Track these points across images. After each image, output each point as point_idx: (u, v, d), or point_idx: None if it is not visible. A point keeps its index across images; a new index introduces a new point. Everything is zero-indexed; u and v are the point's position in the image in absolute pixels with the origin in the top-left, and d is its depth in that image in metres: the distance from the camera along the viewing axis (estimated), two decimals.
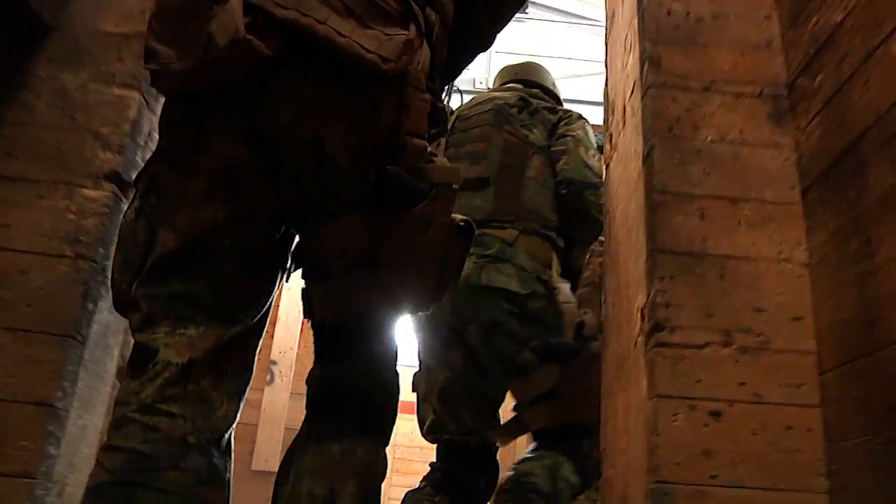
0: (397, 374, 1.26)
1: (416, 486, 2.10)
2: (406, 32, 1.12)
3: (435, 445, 2.22)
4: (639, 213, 1.39)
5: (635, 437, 1.28)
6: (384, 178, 1.13)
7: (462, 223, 1.21)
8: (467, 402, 2.07)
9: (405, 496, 2.09)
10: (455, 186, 1.19)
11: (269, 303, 1.21)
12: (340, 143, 1.11)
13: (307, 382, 1.24)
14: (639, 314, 1.33)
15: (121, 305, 1.16)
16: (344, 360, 1.21)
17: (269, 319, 1.23)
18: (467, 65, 1.56)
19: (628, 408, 1.37)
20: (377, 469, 1.18)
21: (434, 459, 2.19)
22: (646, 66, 1.45)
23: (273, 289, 1.22)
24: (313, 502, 1.10)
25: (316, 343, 1.25)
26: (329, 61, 1.09)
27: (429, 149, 1.19)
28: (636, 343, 1.34)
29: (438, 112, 1.25)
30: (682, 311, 1.24)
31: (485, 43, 1.54)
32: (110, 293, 1.19)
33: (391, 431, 1.23)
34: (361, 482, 1.13)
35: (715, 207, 1.33)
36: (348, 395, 1.19)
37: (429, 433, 2.13)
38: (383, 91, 1.13)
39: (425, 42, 1.20)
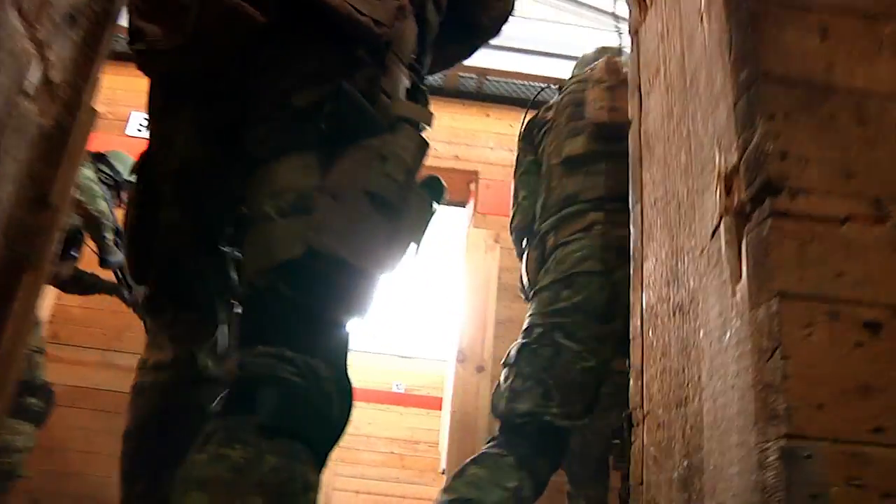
0: (344, 372, 0.96)
1: (492, 450, 1.79)
2: None
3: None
4: (717, 40, 0.91)
5: (716, 374, 0.80)
6: (336, 100, 1.00)
7: (430, 179, 1.07)
8: (594, 402, 1.86)
9: (482, 454, 1.77)
10: (424, 136, 1.07)
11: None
12: (308, 98, 1.03)
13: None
14: (722, 185, 0.85)
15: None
16: (267, 340, 0.94)
17: None
18: (445, 68, 1.51)
19: (693, 334, 0.89)
20: (296, 486, 0.87)
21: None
22: None
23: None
24: None
25: (241, 324, 1.02)
26: (314, 19, 1.03)
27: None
28: (716, 231, 0.85)
29: (419, 93, 1.16)
30: (807, 166, 0.77)
31: (463, 54, 1.50)
32: None
33: (327, 443, 0.93)
34: (274, 493, 0.83)
35: (842, 24, 0.86)
36: (264, 385, 0.91)
37: (518, 416, 1.83)
38: (365, 49, 1.06)
39: (414, 16, 1.15)
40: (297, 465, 0.87)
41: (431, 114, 1.10)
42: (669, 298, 0.99)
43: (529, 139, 2.36)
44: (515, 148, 4.52)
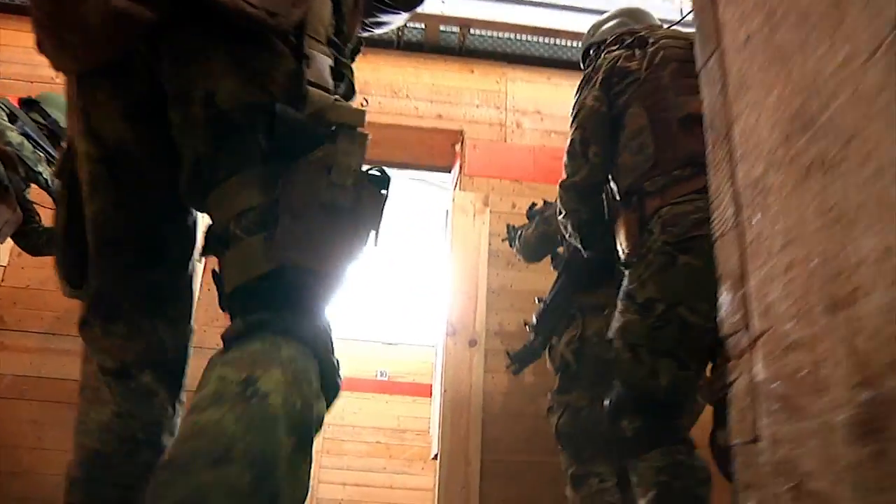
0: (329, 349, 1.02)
1: (654, 431, 1.95)
2: None
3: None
4: None
5: None
6: (273, 122, 1.02)
7: (376, 171, 1.08)
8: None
9: (660, 439, 1.91)
10: (360, 129, 1.07)
11: (189, 288, 1.26)
12: (232, 97, 1.04)
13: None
14: None
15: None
16: (260, 312, 0.98)
17: None
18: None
19: (858, 193, 0.55)
20: (309, 376, 0.93)
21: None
22: None
23: (186, 273, 1.25)
24: (223, 386, 0.87)
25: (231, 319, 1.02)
26: (217, 17, 1.03)
27: (336, 100, 1.10)
28: (877, 54, 0.52)
29: (344, 68, 1.17)
30: None
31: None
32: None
33: (328, 362, 0.99)
34: (289, 373, 0.90)
35: None
36: (270, 320, 0.96)
37: (660, 390, 1.92)
38: (280, 42, 1.07)
39: None
40: (309, 363, 0.94)
41: (363, 111, 1.10)
42: (795, 157, 0.65)
43: (607, 87, 2.19)
44: (503, 106, 4.19)
